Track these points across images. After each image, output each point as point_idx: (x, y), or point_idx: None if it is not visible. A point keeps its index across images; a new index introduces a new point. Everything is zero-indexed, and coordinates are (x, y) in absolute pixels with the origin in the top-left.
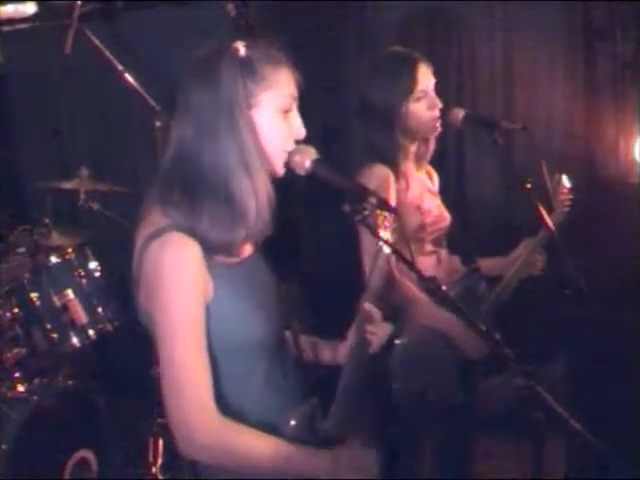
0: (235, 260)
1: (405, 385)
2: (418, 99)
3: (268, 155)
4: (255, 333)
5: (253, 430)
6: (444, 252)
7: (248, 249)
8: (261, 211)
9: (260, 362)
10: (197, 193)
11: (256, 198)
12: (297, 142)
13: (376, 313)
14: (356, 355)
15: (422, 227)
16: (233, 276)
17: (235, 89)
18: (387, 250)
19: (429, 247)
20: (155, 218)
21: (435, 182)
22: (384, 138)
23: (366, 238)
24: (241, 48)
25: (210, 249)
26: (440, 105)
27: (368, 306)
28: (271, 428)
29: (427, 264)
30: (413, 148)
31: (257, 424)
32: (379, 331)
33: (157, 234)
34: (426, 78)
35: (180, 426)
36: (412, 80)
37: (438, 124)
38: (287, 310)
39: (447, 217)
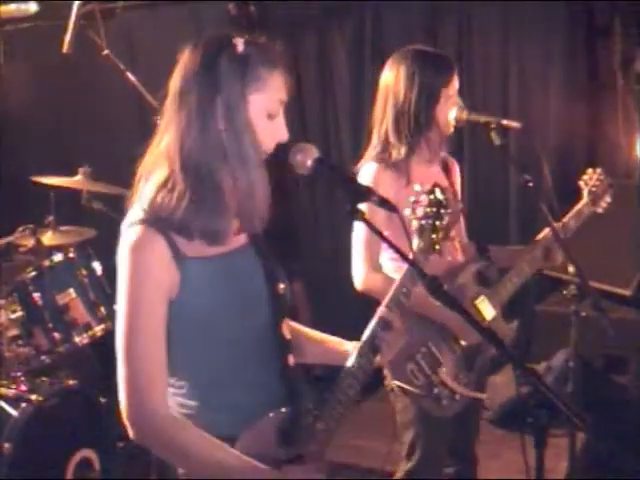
0: (218, 251)
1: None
2: (446, 99)
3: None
4: (229, 325)
5: (199, 432)
6: (449, 243)
7: (238, 241)
8: (254, 203)
9: (235, 354)
10: (182, 183)
11: (250, 191)
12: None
13: (397, 322)
14: (360, 362)
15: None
16: (210, 267)
17: (232, 84)
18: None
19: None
20: (134, 210)
21: (453, 175)
22: (396, 136)
23: (361, 235)
24: (240, 45)
25: (193, 236)
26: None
27: (387, 313)
28: (239, 423)
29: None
30: (423, 145)
31: (227, 417)
32: (394, 342)
33: (128, 226)
34: (456, 81)
35: (130, 414)
36: (447, 82)
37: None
38: (281, 305)
39: (455, 211)
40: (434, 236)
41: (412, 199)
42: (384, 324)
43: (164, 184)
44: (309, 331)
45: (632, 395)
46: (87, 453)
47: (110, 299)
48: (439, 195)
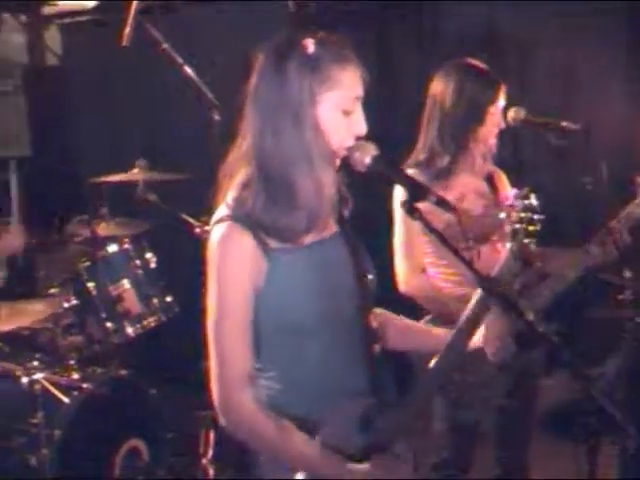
0: (306, 241)
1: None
2: (491, 116)
3: (332, 151)
4: (316, 313)
5: (285, 425)
6: (486, 248)
7: (327, 230)
8: (323, 204)
9: (321, 342)
10: (259, 183)
11: (318, 192)
12: (357, 139)
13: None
14: (451, 354)
15: (456, 224)
16: (298, 257)
17: (301, 86)
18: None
19: (466, 244)
20: (220, 208)
21: (500, 185)
22: (440, 146)
23: (403, 237)
24: (310, 45)
25: (270, 234)
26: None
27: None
28: (323, 409)
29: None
30: (466, 158)
31: (312, 403)
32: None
33: (216, 223)
34: (503, 98)
35: (217, 401)
36: (493, 100)
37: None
38: (368, 294)
39: (495, 216)
40: (527, 241)
41: (508, 203)
42: (482, 305)
43: (245, 184)
44: (398, 318)
45: None
46: (136, 443)
47: (163, 291)
48: (534, 201)
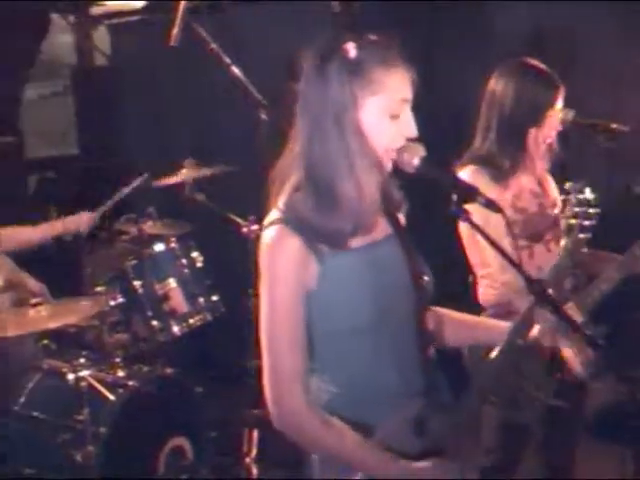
0: (359, 243)
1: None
2: (550, 119)
3: (376, 154)
4: (371, 315)
5: (338, 426)
6: (540, 246)
7: (381, 232)
8: (366, 207)
9: (376, 344)
10: (307, 187)
11: (360, 196)
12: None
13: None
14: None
15: (514, 223)
16: (350, 259)
17: (342, 91)
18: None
19: (521, 242)
20: (272, 212)
21: (548, 187)
22: (499, 147)
23: (468, 235)
24: (352, 50)
25: (319, 238)
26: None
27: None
28: (378, 411)
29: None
30: (524, 160)
31: (367, 405)
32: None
33: (267, 226)
34: (561, 99)
35: (269, 401)
36: (553, 102)
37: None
38: (424, 296)
39: (549, 216)
40: (582, 236)
41: (562, 197)
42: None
43: (296, 188)
44: (454, 313)
45: None
46: (180, 441)
47: (209, 290)
48: (589, 195)
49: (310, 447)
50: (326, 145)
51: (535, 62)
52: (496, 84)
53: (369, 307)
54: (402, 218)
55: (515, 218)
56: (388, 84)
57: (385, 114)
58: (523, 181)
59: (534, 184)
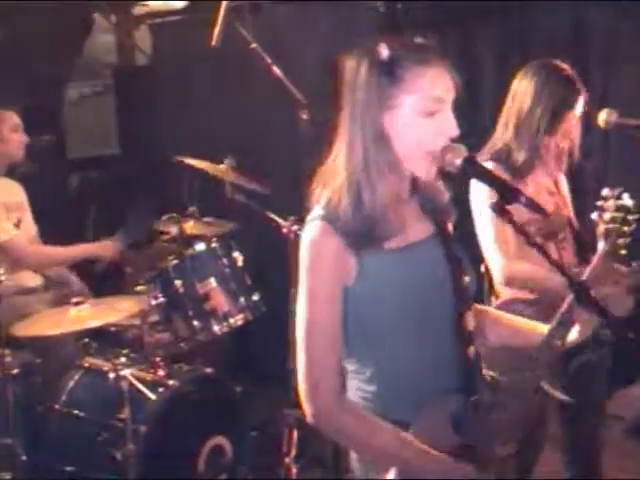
0: (399, 243)
1: None
2: (569, 121)
3: (406, 157)
4: (410, 316)
5: (374, 421)
6: (552, 245)
7: (422, 232)
8: (390, 209)
9: (415, 343)
10: (343, 187)
11: (376, 199)
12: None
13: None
14: (551, 340)
15: (530, 222)
16: (389, 259)
17: (369, 90)
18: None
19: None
20: (315, 208)
21: (562, 187)
22: (516, 143)
23: (491, 231)
24: (384, 50)
25: (354, 238)
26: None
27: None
28: (416, 410)
29: (532, 256)
30: (540, 158)
31: (405, 404)
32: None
33: (308, 221)
34: (581, 105)
35: (304, 398)
36: (573, 105)
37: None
38: (465, 296)
39: (562, 216)
40: (620, 241)
41: (599, 203)
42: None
43: (335, 187)
44: (498, 313)
45: None
46: (220, 440)
47: (249, 290)
48: (627, 201)
49: (344, 441)
50: (353, 144)
51: (560, 64)
52: (519, 82)
53: (406, 307)
54: (447, 219)
55: (532, 216)
56: (421, 83)
57: (420, 113)
58: (541, 180)
59: (550, 183)
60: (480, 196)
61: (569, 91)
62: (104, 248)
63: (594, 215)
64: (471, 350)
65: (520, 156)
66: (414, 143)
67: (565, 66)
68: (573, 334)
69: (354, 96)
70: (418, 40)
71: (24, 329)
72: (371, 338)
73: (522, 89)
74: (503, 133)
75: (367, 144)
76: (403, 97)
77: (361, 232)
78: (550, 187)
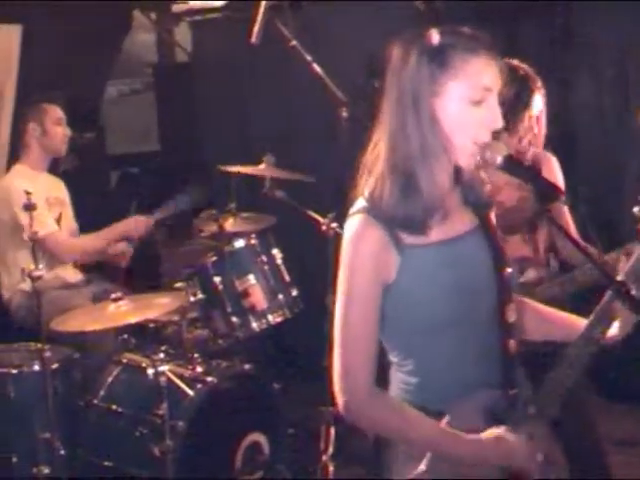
0: (441, 237)
1: None
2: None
3: (452, 144)
4: (452, 309)
5: (411, 412)
6: (517, 238)
7: (465, 225)
8: (439, 195)
9: (458, 337)
10: (388, 174)
11: (433, 183)
12: (494, 133)
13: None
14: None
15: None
16: (432, 254)
17: (420, 76)
18: None
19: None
20: (358, 200)
21: (547, 170)
22: None
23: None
24: (434, 35)
25: (398, 226)
26: None
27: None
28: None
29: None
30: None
31: (445, 396)
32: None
33: (351, 215)
34: (539, 101)
35: (339, 391)
36: (529, 102)
37: None
38: (506, 289)
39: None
40: None
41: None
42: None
43: (380, 178)
44: (538, 306)
45: None
46: (257, 437)
47: (288, 286)
48: None
49: (383, 435)
50: (404, 131)
51: (516, 63)
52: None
53: (449, 301)
54: (489, 210)
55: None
56: (469, 70)
57: (466, 100)
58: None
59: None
60: None
61: (524, 89)
62: (134, 223)
63: (636, 209)
64: (512, 343)
65: None
66: (459, 131)
67: (522, 65)
68: (613, 330)
69: (403, 82)
70: (467, 30)
71: (64, 324)
72: (414, 333)
73: None
74: None
75: (423, 129)
76: (450, 84)
77: (407, 219)
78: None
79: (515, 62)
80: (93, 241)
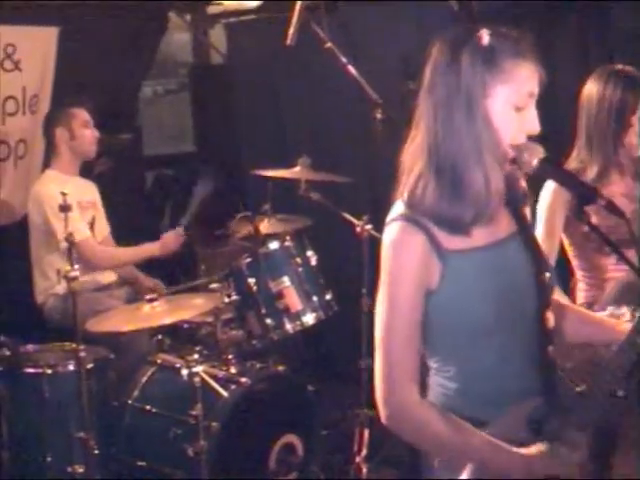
0: (482, 242)
1: None
2: (633, 124)
3: (504, 144)
4: (494, 316)
5: (450, 416)
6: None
7: (505, 230)
8: (491, 197)
9: (499, 343)
10: (431, 175)
11: (487, 185)
12: (529, 137)
13: None
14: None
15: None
16: (474, 260)
17: (474, 76)
18: None
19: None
20: (396, 204)
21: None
22: (588, 154)
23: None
24: (485, 36)
25: (441, 226)
26: None
27: None
28: (495, 409)
29: (608, 262)
30: (611, 160)
31: (485, 403)
32: None
33: (389, 222)
34: None
35: (380, 398)
36: (634, 109)
37: None
38: (546, 294)
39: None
40: None
41: None
42: None
43: (419, 178)
44: (576, 308)
45: None
46: (291, 438)
47: (323, 289)
48: None
49: (422, 444)
50: (455, 132)
51: (621, 67)
52: (584, 94)
53: (492, 308)
54: (527, 213)
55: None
56: (518, 75)
57: (511, 105)
58: (614, 188)
59: (632, 187)
60: (545, 196)
61: (631, 94)
62: (166, 245)
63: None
64: (551, 349)
65: (593, 170)
66: (504, 135)
67: (627, 69)
68: None
69: (453, 81)
70: (515, 33)
71: (99, 325)
72: (456, 339)
73: (586, 100)
74: (578, 153)
75: (477, 128)
76: (499, 87)
77: (455, 219)
78: (631, 191)
79: (620, 67)
80: (128, 256)
